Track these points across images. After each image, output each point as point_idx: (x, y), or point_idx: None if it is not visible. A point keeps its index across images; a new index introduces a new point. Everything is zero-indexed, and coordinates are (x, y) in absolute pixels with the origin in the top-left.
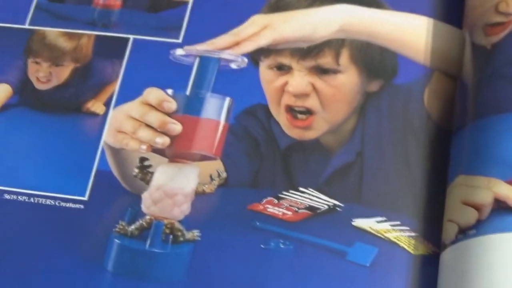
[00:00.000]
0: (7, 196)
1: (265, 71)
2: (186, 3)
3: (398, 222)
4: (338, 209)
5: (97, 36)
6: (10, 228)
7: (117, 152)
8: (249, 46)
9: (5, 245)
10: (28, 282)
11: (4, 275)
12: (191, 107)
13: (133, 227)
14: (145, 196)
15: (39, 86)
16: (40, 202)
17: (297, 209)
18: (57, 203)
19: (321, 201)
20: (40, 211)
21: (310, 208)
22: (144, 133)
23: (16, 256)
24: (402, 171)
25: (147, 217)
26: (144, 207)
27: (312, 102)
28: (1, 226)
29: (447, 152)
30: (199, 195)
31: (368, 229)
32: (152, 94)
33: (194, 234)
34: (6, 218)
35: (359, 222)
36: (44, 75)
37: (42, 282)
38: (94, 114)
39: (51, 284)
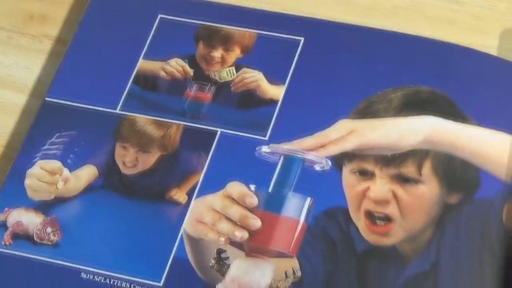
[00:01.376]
0: (83, 275)
1: (348, 175)
2: (275, 102)
3: None
4: None
5: (186, 127)
6: None
7: (195, 242)
8: (334, 149)
9: None
10: None
11: None
12: (272, 204)
13: None
14: (219, 287)
15: (125, 171)
16: (116, 283)
17: None
18: (132, 287)
19: None
20: None
21: None
22: (224, 226)
23: None
24: (476, 286)
25: None
26: None
27: (392, 210)
28: None
29: None
30: None
31: None
32: (235, 188)
33: None
34: None
35: None
36: (131, 160)
37: None
38: (176, 203)
39: None
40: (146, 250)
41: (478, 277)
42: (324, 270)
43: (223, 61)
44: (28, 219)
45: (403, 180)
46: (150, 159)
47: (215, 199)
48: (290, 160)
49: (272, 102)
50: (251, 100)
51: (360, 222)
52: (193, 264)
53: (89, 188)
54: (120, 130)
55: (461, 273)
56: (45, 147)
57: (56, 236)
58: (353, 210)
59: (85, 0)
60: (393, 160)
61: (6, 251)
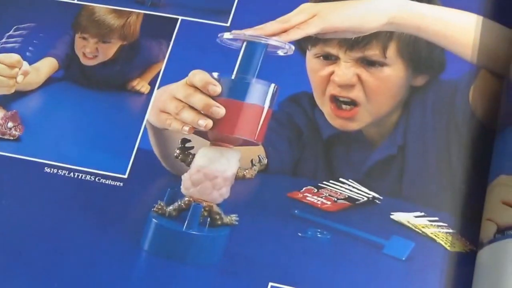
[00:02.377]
0: (47, 170)
1: (311, 59)
2: None
3: (437, 218)
4: (377, 201)
5: (146, 15)
6: (48, 202)
7: (159, 132)
8: (297, 34)
9: (42, 219)
10: (64, 258)
11: (40, 250)
12: (235, 91)
13: (171, 207)
14: (184, 177)
15: (85, 62)
16: (80, 177)
17: (336, 199)
18: (97, 180)
19: (361, 192)
20: (80, 186)
21: (349, 199)
22: (187, 115)
23: (52, 231)
24: (443, 167)
25: (186, 198)
26: (183, 189)
27: (357, 94)
28: (39, 200)
29: (490, 151)
30: (239, 179)
31: (406, 223)
32: (198, 76)
33: (232, 218)
34: (44, 192)
35: (398, 216)
36: (91, 51)
37: (77, 259)
38: (138, 93)
39: (86, 261)
40: (109, 142)
41: (445, 158)
42: (290, 157)
43: None
44: None
45: (368, 63)
46: (110, 49)
47: (177, 88)
48: (252, 45)
49: None
50: None
51: (326, 107)
52: (157, 155)
53: (50, 81)
54: (79, 20)
55: (428, 155)
56: (3, 40)
57: (18, 130)
58: (318, 96)
59: None
60: (357, 43)
61: None
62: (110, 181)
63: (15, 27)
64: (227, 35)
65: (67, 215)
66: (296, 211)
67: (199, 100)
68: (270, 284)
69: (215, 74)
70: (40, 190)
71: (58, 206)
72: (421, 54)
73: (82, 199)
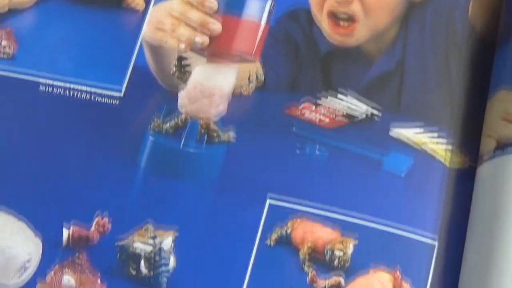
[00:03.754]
0: (42, 88)
1: None
2: None
3: (436, 134)
4: (376, 118)
5: None
6: (43, 121)
7: (155, 50)
8: None
9: (37, 138)
10: (60, 177)
11: (35, 170)
12: (232, 7)
13: (168, 125)
14: (181, 94)
15: None
16: (75, 95)
17: (334, 116)
18: (92, 98)
19: (359, 109)
20: (75, 105)
21: (348, 115)
22: (184, 32)
23: (47, 150)
24: (442, 82)
25: (183, 115)
26: (180, 106)
27: (355, 9)
28: (34, 119)
29: (490, 65)
30: (236, 96)
31: (405, 140)
32: None
33: (229, 135)
34: (40, 111)
35: (396, 132)
36: None
37: (73, 178)
38: (134, 10)
39: (83, 179)
40: (105, 59)
41: (444, 74)
42: (287, 74)
43: None
44: None
45: None
46: None
47: (173, 5)
48: None
49: None
50: None
51: (323, 23)
52: (154, 73)
53: None
54: None
55: (427, 70)
56: None
57: (12, 49)
58: (315, 11)
59: None
60: None
61: None
62: (106, 99)
63: None
64: None
65: (63, 134)
66: (294, 128)
67: (195, 16)
68: (268, 200)
69: None
70: (35, 109)
71: (53, 125)
72: None
73: (78, 118)
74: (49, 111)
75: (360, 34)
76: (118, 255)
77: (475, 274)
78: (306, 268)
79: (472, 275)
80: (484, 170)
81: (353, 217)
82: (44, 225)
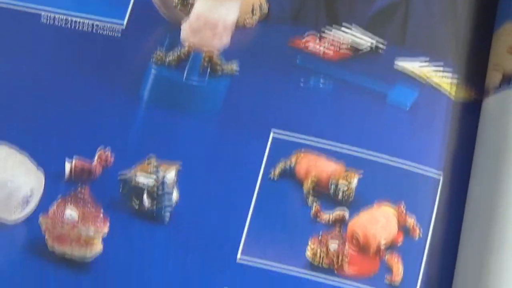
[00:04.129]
0: (43, 20)
1: None
2: None
3: (441, 67)
4: (380, 50)
5: None
6: (44, 55)
7: None
8: None
9: (39, 72)
10: (62, 111)
11: (37, 103)
12: None
13: (170, 57)
14: (184, 26)
15: None
16: (77, 28)
17: (338, 48)
18: (94, 30)
19: (364, 41)
20: (77, 37)
21: (352, 48)
22: None
23: (49, 84)
24: (448, 15)
25: (186, 48)
26: (182, 38)
27: None
28: (36, 53)
29: None
30: (239, 28)
31: (410, 72)
32: None
33: (233, 67)
34: (41, 44)
35: (401, 64)
36: None
37: (76, 111)
38: None
39: (85, 113)
40: None
41: (449, 7)
42: (291, 5)
43: None
44: None
45: None
46: None
47: None
48: None
49: None
50: None
51: None
52: (156, 5)
53: None
54: None
55: (432, 4)
56: None
57: None
58: None
59: None
60: None
61: None
62: (108, 31)
63: None
64: None
65: (64, 67)
66: (298, 61)
67: None
68: (272, 133)
69: None
70: (37, 42)
71: (54, 58)
72: None
73: (80, 50)
74: (50, 43)
75: None
76: (121, 188)
77: (480, 207)
78: (309, 202)
79: (477, 209)
80: (489, 103)
81: (357, 151)
82: (46, 159)
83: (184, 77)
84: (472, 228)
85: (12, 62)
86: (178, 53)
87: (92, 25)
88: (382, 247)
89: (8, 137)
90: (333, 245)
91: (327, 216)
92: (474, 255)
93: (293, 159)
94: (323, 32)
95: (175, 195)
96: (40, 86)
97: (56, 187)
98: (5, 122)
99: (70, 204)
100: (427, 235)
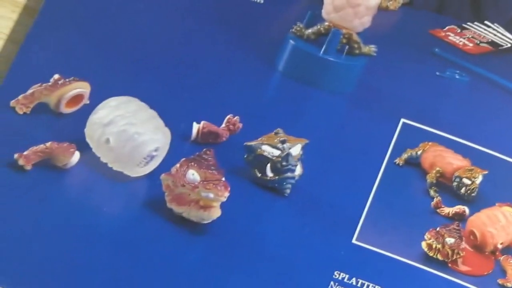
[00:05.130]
0: None
1: None
2: None
3: None
4: None
5: None
6: (185, 14)
7: None
8: None
9: (178, 31)
10: (196, 74)
11: (172, 63)
12: None
13: (310, 30)
14: (327, 1)
15: None
16: None
17: (478, 42)
18: None
19: (505, 38)
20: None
21: (493, 43)
22: None
23: (188, 45)
24: None
25: (326, 23)
26: (324, 13)
27: None
28: (176, 11)
29: None
30: (382, 10)
31: None
32: None
33: (371, 48)
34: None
35: None
36: None
37: (209, 74)
38: None
39: (218, 77)
40: None
41: None
42: None
43: None
44: None
45: None
46: None
47: None
48: None
49: None
50: None
51: None
52: None
53: None
54: None
55: None
56: None
57: None
58: None
59: None
60: None
61: None
62: None
63: None
64: None
65: (204, 28)
66: (436, 49)
67: None
68: (402, 120)
69: None
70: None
71: (194, 18)
72: None
73: (221, 12)
74: (191, 4)
75: None
76: (246, 155)
77: None
78: (432, 193)
79: None
80: None
81: (485, 146)
82: (174, 119)
83: (322, 52)
84: None
85: (150, 20)
86: (318, 27)
87: None
88: (499, 248)
89: (141, 93)
90: (450, 240)
91: (448, 210)
92: None
93: (421, 147)
94: (465, 24)
95: (298, 170)
96: (175, 46)
97: (182, 147)
98: (138, 78)
99: (194, 164)
100: None
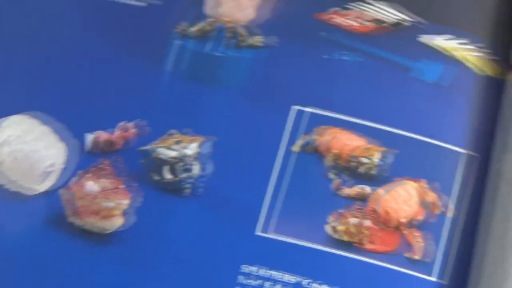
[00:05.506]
0: None
1: None
2: None
3: (467, 41)
4: (406, 23)
5: None
6: (67, 24)
7: None
8: None
9: (62, 41)
10: (85, 83)
11: (59, 75)
12: None
13: (195, 28)
14: None
15: None
16: None
17: (363, 21)
18: None
19: (389, 15)
20: (101, 6)
21: (377, 20)
22: None
23: (73, 55)
24: None
25: (210, 19)
26: (207, 9)
27: None
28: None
29: None
30: (264, 1)
31: (435, 46)
32: None
33: (257, 40)
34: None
35: (426, 39)
36: None
37: (98, 83)
38: None
39: (107, 84)
40: None
41: None
42: None
43: None
44: None
45: None
46: None
47: None
48: None
49: None
50: None
51: None
52: None
53: None
54: None
55: None
56: None
57: None
58: None
59: None
60: None
61: None
62: (133, 1)
63: None
64: None
65: (88, 36)
66: (322, 33)
67: None
68: (295, 106)
69: None
70: (58, 11)
71: (78, 27)
72: None
73: (104, 20)
74: (73, 12)
75: None
76: (142, 160)
77: (502, 182)
78: (331, 176)
79: (499, 183)
80: None
81: (380, 125)
82: (67, 132)
83: (208, 48)
84: (494, 203)
85: (34, 31)
86: (203, 25)
87: None
88: (403, 222)
89: (31, 108)
90: (354, 220)
91: (349, 190)
92: (497, 231)
93: (315, 132)
94: (348, 4)
95: (196, 168)
96: (61, 57)
97: (78, 159)
98: (27, 93)
99: (91, 175)
100: (448, 211)
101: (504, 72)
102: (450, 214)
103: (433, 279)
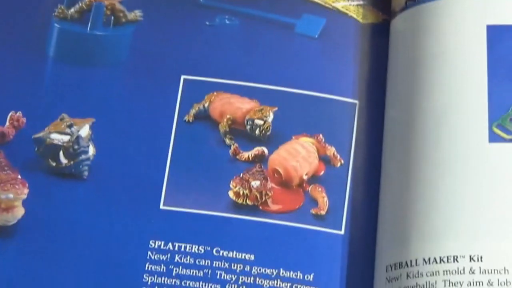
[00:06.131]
0: None
1: None
2: None
3: None
4: None
5: None
6: None
7: None
8: None
9: None
10: None
11: None
12: None
13: (72, 10)
14: None
15: None
16: None
17: None
18: None
19: None
20: None
21: None
22: None
23: None
24: None
25: None
26: None
27: None
28: None
29: None
30: None
31: (315, 0)
32: None
33: (136, 14)
34: None
35: None
36: None
37: None
38: None
39: None
40: None
41: None
42: None
43: None
44: None
45: None
46: None
47: None
48: None
49: None
50: None
51: None
52: None
53: None
54: None
55: None
56: None
57: None
58: None
59: None
60: None
61: None
62: None
63: None
64: None
65: None
66: (201, 0)
67: None
68: (183, 77)
69: None
70: None
71: None
72: None
73: None
74: None
75: None
76: (36, 148)
77: (397, 128)
78: (227, 141)
79: (395, 130)
80: (397, 23)
81: (270, 86)
82: None
83: (88, 28)
84: (392, 150)
85: None
86: (80, 5)
87: None
88: (305, 179)
89: None
90: (255, 183)
91: (247, 154)
92: (397, 177)
93: (206, 100)
94: None
95: (91, 150)
96: None
97: None
98: None
99: None
100: (348, 163)
101: (387, 18)
102: (350, 165)
103: (341, 232)
